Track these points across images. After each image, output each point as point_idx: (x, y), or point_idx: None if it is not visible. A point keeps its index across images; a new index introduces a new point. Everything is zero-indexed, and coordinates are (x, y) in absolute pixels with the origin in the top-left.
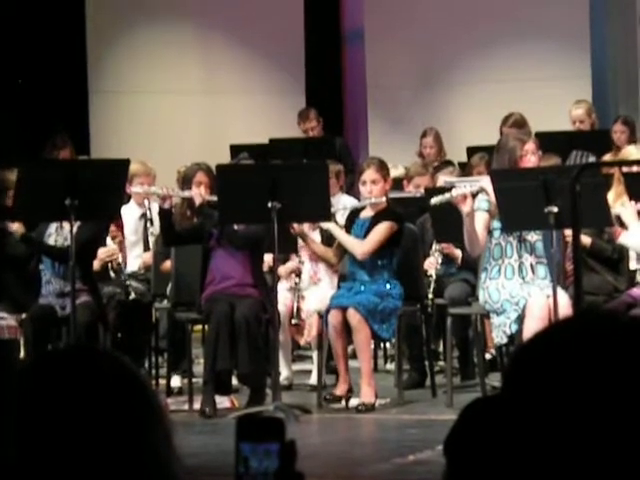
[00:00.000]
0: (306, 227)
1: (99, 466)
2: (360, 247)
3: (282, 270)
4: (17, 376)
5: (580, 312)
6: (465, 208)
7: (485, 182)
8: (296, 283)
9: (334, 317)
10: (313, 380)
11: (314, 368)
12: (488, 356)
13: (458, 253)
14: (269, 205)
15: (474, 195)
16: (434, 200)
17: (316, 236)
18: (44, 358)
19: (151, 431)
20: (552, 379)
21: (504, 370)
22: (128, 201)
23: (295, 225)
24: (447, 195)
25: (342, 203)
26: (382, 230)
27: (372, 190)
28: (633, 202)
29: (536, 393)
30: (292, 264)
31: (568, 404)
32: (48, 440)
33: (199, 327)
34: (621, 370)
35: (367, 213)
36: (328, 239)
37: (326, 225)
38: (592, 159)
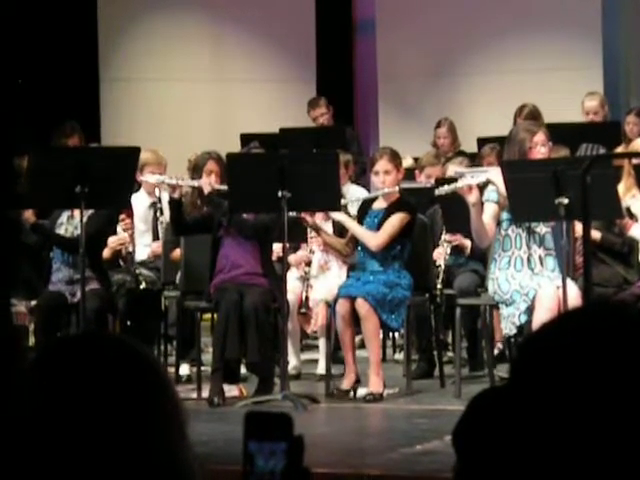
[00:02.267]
0: (318, 218)
1: (113, 451)
2: (374, 239)
3: (292, 259)
4: (26, 361)
5: (588, 303)
6: (471, 199)
7: (492, 173)
8: (306, 272)
9: (342, 307)
10: (319, 369)
11: (321, 357)
12: (496, 351)
13: (467, 243)
14: (279, 194)
15: (481, 186)
16: (439, 191)
17: (328, 227)
18: (60, 344)
19: (165, 418)
20: (560, 369)
21: (512, 360)
22: (138, 189)
23: (307, 218)
24: (452, 186)
25: (351, 193)
26: (395, 222)
27: (385, 180)
28: None
29: (544, 383)
30: (302, 253)
31: (575, 394)
32: (63, 426)
33: (208, 315)
34: (628, 361)
35: (380, 204)
36: (340, 230)
37: (338, 217)
38: (602, 152)
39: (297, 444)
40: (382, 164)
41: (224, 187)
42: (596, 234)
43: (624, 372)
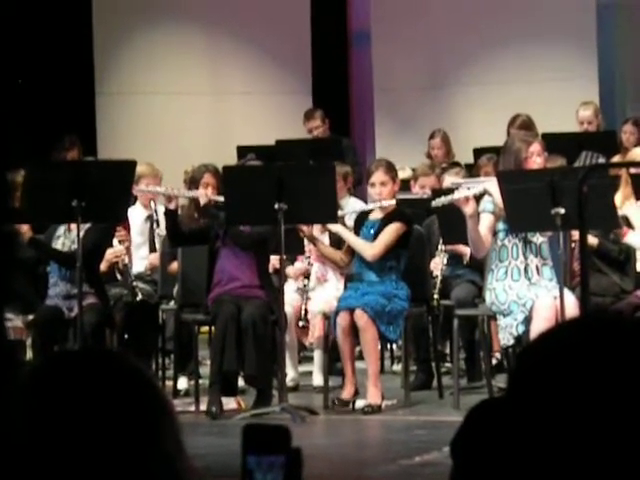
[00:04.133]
0: (316, 230)
1: (111, 466)
2: (370, 249)
3: (291, 271)
4: (23, 376)
5: (586, 313)
6: (467, 210)
7: (489, 184)
8: (305, 285)
9: (343, 319)
10: (315, 381)
11: (315, 368)
12: (494, 361)
13: (466, 250)
14: (276, 206)
15: (478, 197)
16: (435, 202)
17: (325, 239)
18: (55, 360)
19: (163, 431)
20: (557, 380)
21: (510, 371)
22: (134, 202)
23: (305, 228)
24: (449, 197)
25: (350, 206)
26: (392, 231)
27: (381, 192)
28: None
29: (541, 394)
30: (302, 265)
31: (573, 405)
32: (59, 442)
33: (206, 328)
34: (626, 372)
35: (376, 215)
36: (337, 242)
37: (335, 228)
38: (602, 160)
39: (295, 457)
40: (378, 176)
41: (220, 198)
42: (593, 240)
43: (622, 383)
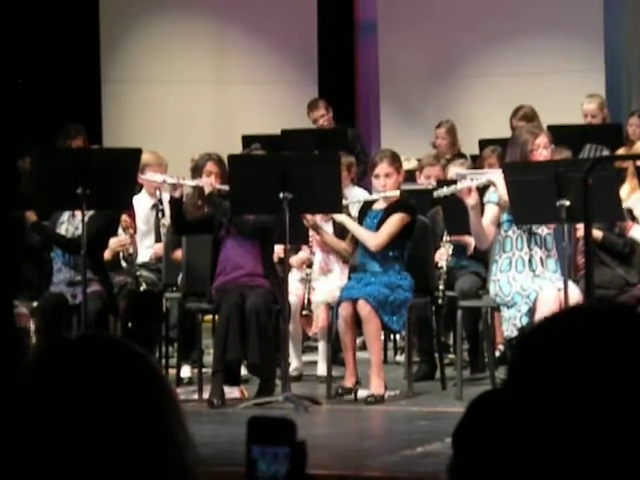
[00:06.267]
0: (319, 219)
1: (117, 453)
2: (374, 239)
3: (294, 260)
4: (27, 363)
5: (587, 303)
6: (470, 201)
7: (493, 175)
8: (307, 274)
9: (345, 309)
10: (319, 371)
11: (320, 359)
12: (497, 353)
13: (470, 240)
14: (280, 196)
15: (481, 188)
16: (437, 193)
17: (329, 228)
18: (57, 345)
19: (167, 417)
20: (557, 369)
21: (510, 358)
22: (140, 191)
23: (308, 217)
24: (452, 187)
25: (354, 195)
26: (395, 222)
27: (386, 183)
28: None
29: (541, 383)
30: (304, 254)
31: (573, 394)
32: (65, 427)
33: (209, 317)
34: (626, 360)
35: (380, 205)
36: (341, 231)
37: (339, 218)
38: (605, 153)
39: (300, 449)
40: (382, 167)
41: (225, 187)
42: (597, 233)
43: (622, 372)
